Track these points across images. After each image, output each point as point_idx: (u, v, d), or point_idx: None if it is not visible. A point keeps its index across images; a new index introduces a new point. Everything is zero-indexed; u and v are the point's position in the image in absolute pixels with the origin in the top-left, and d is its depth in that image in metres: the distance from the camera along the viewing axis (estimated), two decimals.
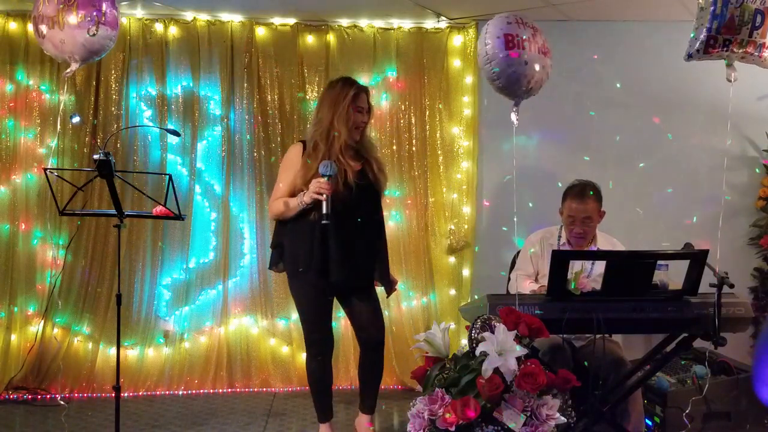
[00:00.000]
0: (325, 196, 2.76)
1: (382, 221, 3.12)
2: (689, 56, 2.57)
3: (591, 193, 3.09)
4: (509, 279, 3.44)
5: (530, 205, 3.94)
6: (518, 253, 3.42)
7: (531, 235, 3.35)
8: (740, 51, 2.46)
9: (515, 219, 3.04)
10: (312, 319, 3.05)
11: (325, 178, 2.79)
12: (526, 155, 4.17)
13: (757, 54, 2.47)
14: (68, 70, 2.81)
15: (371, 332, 3.09)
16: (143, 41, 4.06)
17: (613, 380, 2.87)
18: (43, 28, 2.73)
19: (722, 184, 4.13)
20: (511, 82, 2.66)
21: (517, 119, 2.69)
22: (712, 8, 2.44)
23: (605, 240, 3.23)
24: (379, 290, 3.23)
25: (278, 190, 3.00)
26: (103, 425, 3.54)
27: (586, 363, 2.61)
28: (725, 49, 2.47)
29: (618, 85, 4.11)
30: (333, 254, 2.88)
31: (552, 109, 4.05)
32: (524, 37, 2.64)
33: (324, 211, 2.76)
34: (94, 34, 2.68)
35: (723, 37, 2.45)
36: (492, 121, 4.14)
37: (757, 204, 4.18)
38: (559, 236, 3.24)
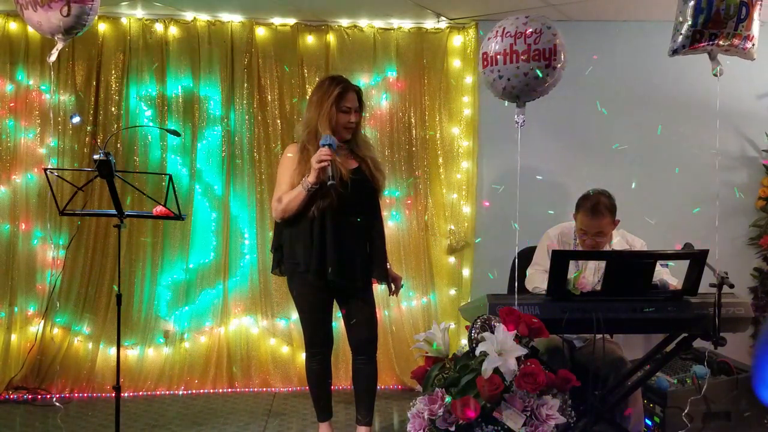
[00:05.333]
0: (328, 162, 2.75)
1: (380, 220, 3.10)
2: (674, 52, 2.55)
3: (604, 207, 3.01)
4: (525, 275, 3.36)
5: (529, 205, 3.93)
6: (519, 253, 3.41)
7: (549, 229, 3.29)
8: (726, 44, 2.44)
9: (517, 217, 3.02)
10: (311, 318, 3.04)
11: (326, 147, 2.78)
12: (525, 155, 4.15)
13: (741, 46, 2.45)
14: (53, 53, 2.76)
15: (362, 330, 3.02)
16: (143, 41, 4.06)
17: (613, 380, 2.87)
18: (21, 9, 2.71)
19: (722, 184, 4.14)
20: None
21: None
22: (695, 2, 2.41)
23: (620, 238, 3.19)
24: (381, 289, 3.22)
25: (279, 190, 2.98)
26: (103, 425, 3.54)
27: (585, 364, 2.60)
28: (711, 43, 2.44)
29: (616, 86, 4.11)
30: (330, 254, 2.88)
31: (552, 109, 4.05)
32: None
33: (329, 173, 2.75)
34: (67, 14, 2.61)
35: (709, 31, 2.42)
36: (492, 121, 4.15)
37: (757, 204, 4.18)
38: (575, 236, 3.22)
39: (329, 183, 2.75)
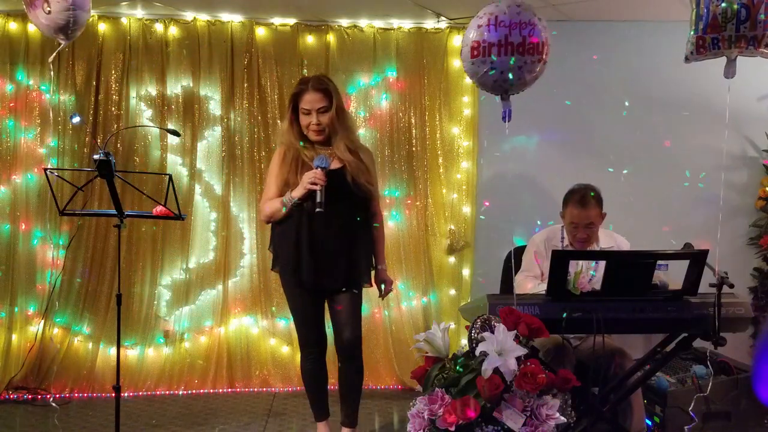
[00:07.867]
0: (319, 186, 2.75)
1: (365, 222, 3.02)
2: (686, 59, 2.59)
3: (592, 195, 3.09)
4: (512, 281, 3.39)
5: (529, 205, 3.95)
6: (510, 252, 3.41)
7: (534, 235, 3.33)
8: (732, 47, 2.45)
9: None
10: (302, 319, 3.05)
11: (320, 170, 2.78)
12: (525, 155, 4.17)
13: (752, 47, 2.45)
14: (54, 54, 2.80)
15: (344, 333, 3.00)
16: (143, 41, 4.06)
17: (613, 370, 2.88)
18: (28, 13, 2.75)
19: (722, 184, 4.14)
20: None
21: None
22: (696, 9, 2.46)
23: (607, 237, 3.23)
24: (375, 292, 3.22)
25: (267, 193, 2.99)
26: (103, 425, 3.54)
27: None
28: (715, 48, 2.47)
29: (616, 86, 4.11)
30: (304, 256, 2.87)
31: (552, 110, 4.05)
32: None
33: (318, 200, 2.74)
34: (49, 11, 2.59)
35: (710, 36, 2.45)
36: (492, 121, 4.14)
37: (757, 204, 4.18)
38: (563, 237, 3.23)
39: (317, 210, 2.74)
